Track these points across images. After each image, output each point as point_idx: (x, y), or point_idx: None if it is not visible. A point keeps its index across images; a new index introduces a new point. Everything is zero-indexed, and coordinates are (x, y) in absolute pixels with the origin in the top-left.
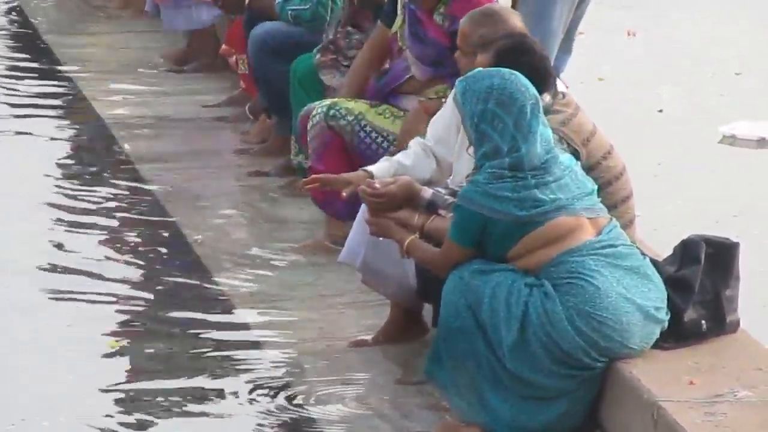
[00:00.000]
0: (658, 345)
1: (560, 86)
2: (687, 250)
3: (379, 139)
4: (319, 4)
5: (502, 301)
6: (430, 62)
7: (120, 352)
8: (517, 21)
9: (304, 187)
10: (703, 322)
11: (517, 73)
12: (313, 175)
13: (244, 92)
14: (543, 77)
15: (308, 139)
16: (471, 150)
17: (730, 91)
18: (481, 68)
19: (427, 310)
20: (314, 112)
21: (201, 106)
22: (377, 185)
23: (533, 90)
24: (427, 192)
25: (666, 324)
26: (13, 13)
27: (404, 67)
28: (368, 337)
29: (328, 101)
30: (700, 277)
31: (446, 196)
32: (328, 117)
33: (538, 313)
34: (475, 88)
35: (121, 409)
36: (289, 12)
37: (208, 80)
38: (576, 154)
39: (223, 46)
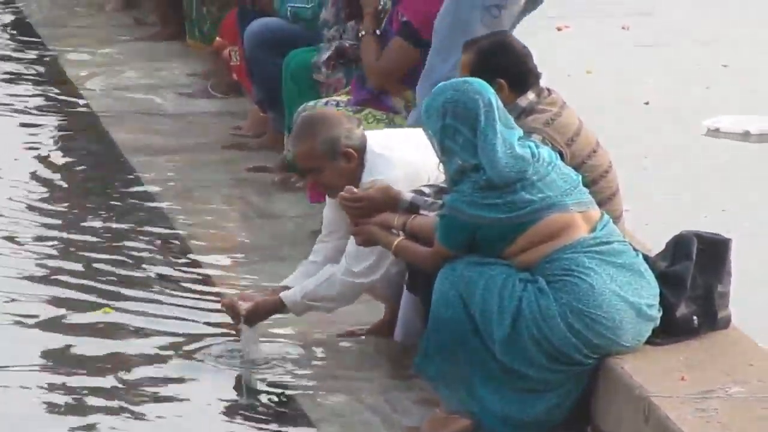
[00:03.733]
0: (649, 341)
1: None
2: (679, 245)
3: None
4: (320, 5)
5: (495, 294)
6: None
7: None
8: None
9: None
10: (695, 318)
11: (470, 80)
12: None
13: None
14: (524, 75)
15: None
16: (441, 167)
17: (716, 83)
18: (443, 83)
19: None
20: None
21: (178, 93)
22: (355, 190)
23: (487, 95)
24: (408, 194)
25: (658, 321)
26: (8, 6)
27: None
28: (360, 328)
29: None
30: (692, 273)
31: (427, 198)
32: None
33: (532, 308)
34: (433, 105)
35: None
36: (289, 8)
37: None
38: (560, 156)
39: (217, 39)
